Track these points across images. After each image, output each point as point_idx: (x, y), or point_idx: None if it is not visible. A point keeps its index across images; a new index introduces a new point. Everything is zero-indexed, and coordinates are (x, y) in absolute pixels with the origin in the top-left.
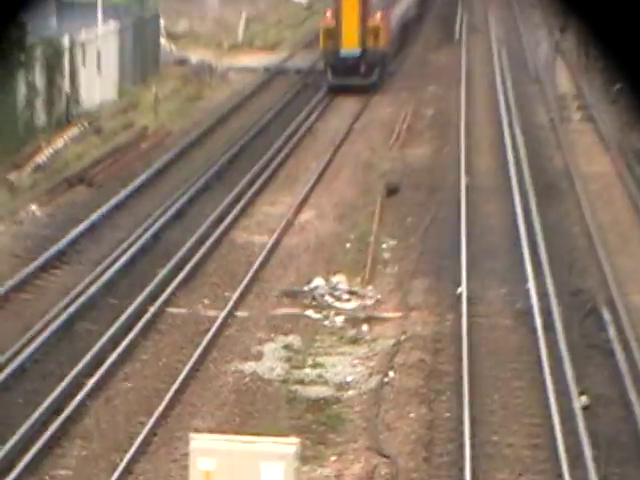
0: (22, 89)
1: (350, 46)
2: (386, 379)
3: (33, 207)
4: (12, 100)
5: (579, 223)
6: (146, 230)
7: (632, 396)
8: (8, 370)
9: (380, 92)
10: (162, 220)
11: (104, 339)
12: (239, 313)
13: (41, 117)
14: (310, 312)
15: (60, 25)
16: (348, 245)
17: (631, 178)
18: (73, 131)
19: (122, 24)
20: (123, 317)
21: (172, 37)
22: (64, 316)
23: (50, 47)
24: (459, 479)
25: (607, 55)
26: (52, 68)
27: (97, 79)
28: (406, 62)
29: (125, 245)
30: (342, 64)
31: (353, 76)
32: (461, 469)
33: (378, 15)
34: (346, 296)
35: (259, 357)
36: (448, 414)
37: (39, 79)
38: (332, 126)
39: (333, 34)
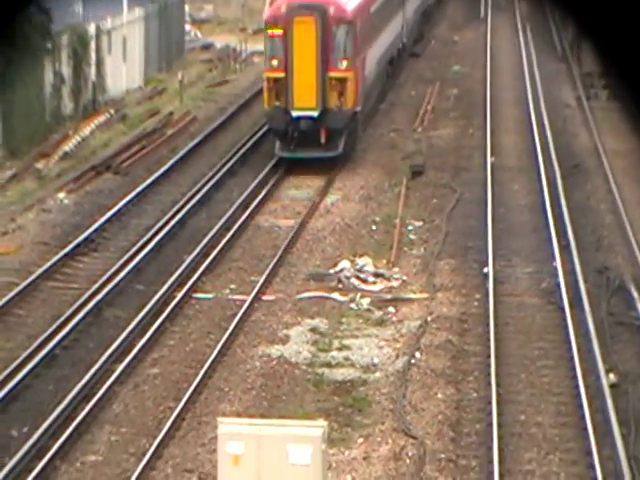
0: (49, 77)
1: (305, 106)
2: (413, 360)
3: (61, 195)
4: (39, 88)
5: (606, 200)
6: (172, 216)
7: None
8: (38, 357)
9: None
10: (188, 206)
11: (132, 325)
12: (266, 297)
13: (68, 105)
14: (336, 295)
15: (85, 12)
16: (373, 227)
17: None
18: (99, 119)
19: (147, 11)
20: (151, 303)
21: (197, 23)
22: (92, 303)
23: (76, 35)
24: (487, 459)
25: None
26: (78, 56)
27: (123, 66)
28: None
29: (152, 231)
30: (294, 130)
31: (309, 147)
32: (489, 449)
33: (345, 62)
34: (372, 278)
35: (286, 341)
36: (475, 394)
37: (66, 67)
38: None
39: (281, 88)
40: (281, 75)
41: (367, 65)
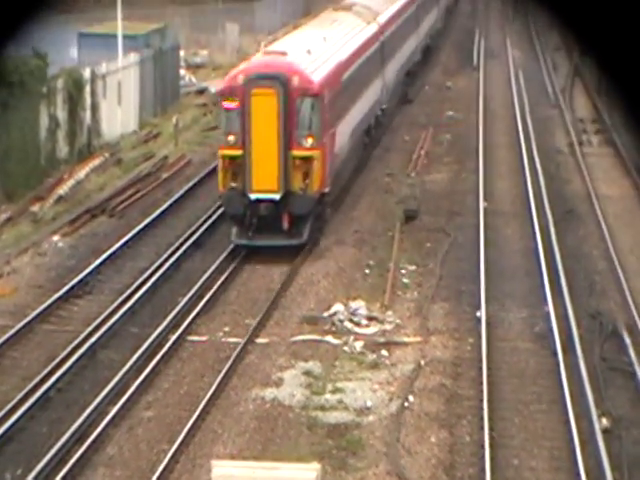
0: (44, 121)
1: (264, 188)
2: (406, 404)
3: (56, 238)
4: (34, 132)
5: (599, 246)
6: (167, 259)
7: None
8: (32, 399)
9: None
10: (183, 248)
11: (126, 368)
12: (259, 340)
13: (63, 149)
14: (330, 338)
15: (81, 57)
16: (367, 271)
17: None
18: (95, 162)
19: (142, 56)
20: (145, 345)
21: (192, 67)
22: (87, 345)
23: (71, 79)
24: None
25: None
26: (74, 100)
27: (118, 110)
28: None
29: (146, 274)
30: (253, 215)
31: (270, 234)
32: None
33: (310, 139)
34: (365, 321)
35: (279, 383)
36: (469, 438)
37: (61, 111)
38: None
39: (238, 168)
40: (238, 153)
41: (337, 140)
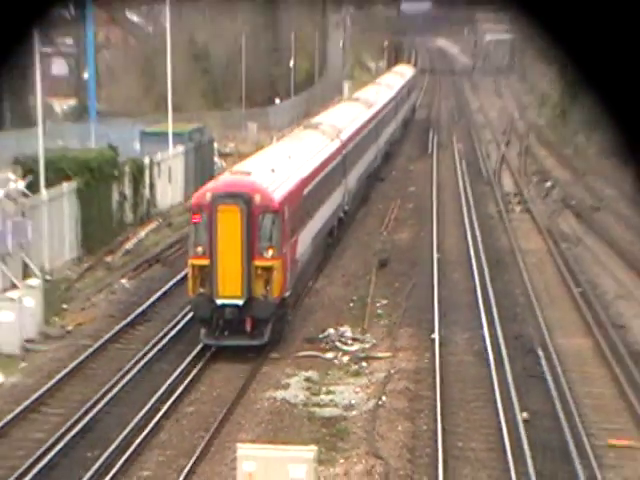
0: (115, 196)
1: (229, 294)
2: (380, 402)
3: (123, 281)
4: (108, 204)
5: (520, 286)
6: None
7: (560, 412)
8: (106, 399)
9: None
10: None
11: (174, 375)
12: (272, 355)
13: (129, 216)
14: (328, 354)
15: (142, 148)
16: (351, 304)
17: (557, 253)
18: (152, 225)
19: (186, 147)
20: (188, 359)
21: (222, 155)
22: (145, 359)
23: (135, 165)
24: (434, 475)
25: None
26: (137, 180)
27: (169, 187)
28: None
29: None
30: (219, 318)
31: (235, 335)
32: (435, 467)
33: (271, 250)
34: (350, 341)
35: (287, 387)
36: (426, 427)
37: (127, 188)
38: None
39: (206, 276)
40: (205, 263)
41: (299, 247)
